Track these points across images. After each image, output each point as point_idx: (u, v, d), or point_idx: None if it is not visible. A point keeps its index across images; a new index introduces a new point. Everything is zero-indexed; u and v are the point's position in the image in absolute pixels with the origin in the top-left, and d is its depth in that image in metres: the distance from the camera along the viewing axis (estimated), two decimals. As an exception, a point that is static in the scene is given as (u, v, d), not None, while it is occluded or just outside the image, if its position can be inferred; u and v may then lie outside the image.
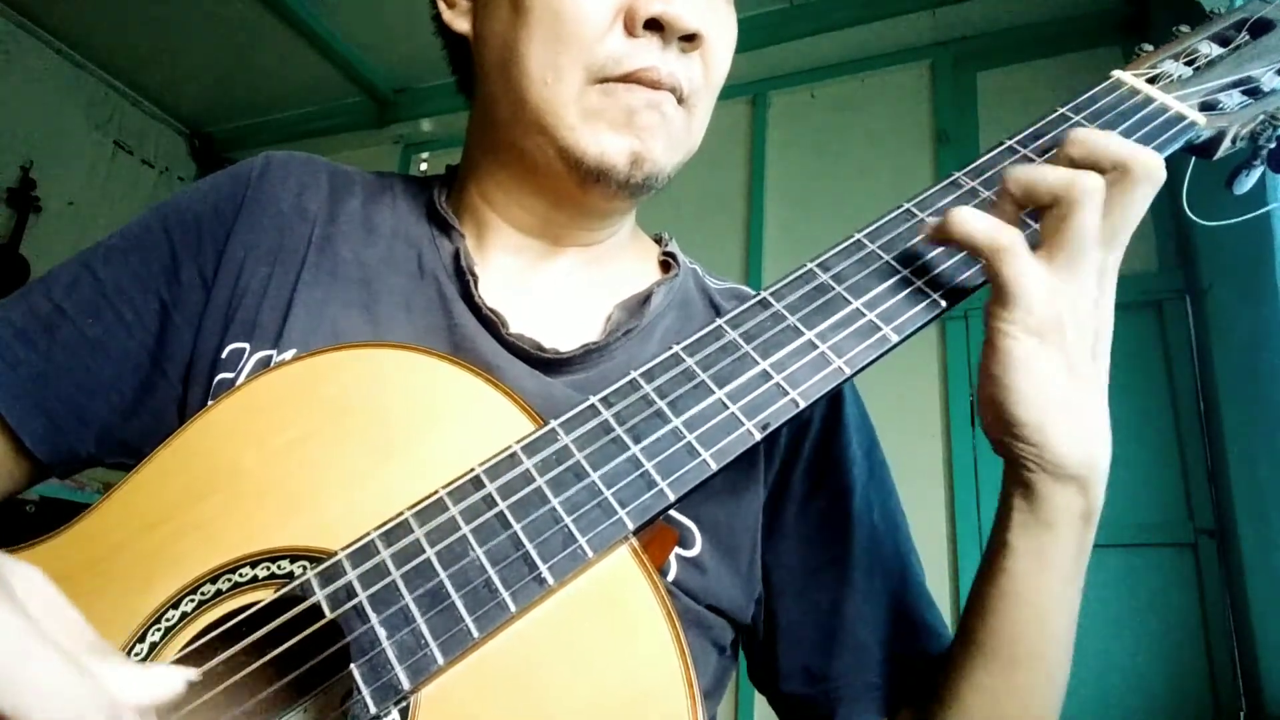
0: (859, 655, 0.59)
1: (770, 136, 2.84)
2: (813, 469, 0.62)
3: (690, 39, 0.56)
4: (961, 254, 0.48)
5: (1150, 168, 0.45)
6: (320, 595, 0.42)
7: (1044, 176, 0.45)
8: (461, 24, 0.63)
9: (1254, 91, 0.52)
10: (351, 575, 0.42)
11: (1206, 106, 0.52)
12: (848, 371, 0.46)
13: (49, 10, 3.13)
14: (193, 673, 0.34)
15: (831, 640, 0.60)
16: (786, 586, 0.61)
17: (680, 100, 0.57)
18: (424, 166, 3.48)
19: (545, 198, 0.61)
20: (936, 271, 0.48)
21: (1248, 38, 0.55)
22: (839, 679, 0.59)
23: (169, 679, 0.33)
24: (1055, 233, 0.45)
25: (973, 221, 0.45)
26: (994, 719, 0.52)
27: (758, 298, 0.50)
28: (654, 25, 0.54)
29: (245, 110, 3.68)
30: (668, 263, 0.69)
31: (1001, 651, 0.50)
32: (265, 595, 0.43)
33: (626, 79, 0.54)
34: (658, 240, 0.72)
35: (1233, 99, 0.52)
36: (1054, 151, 0.48)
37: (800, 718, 0.62)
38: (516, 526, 0.43)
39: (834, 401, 0.64)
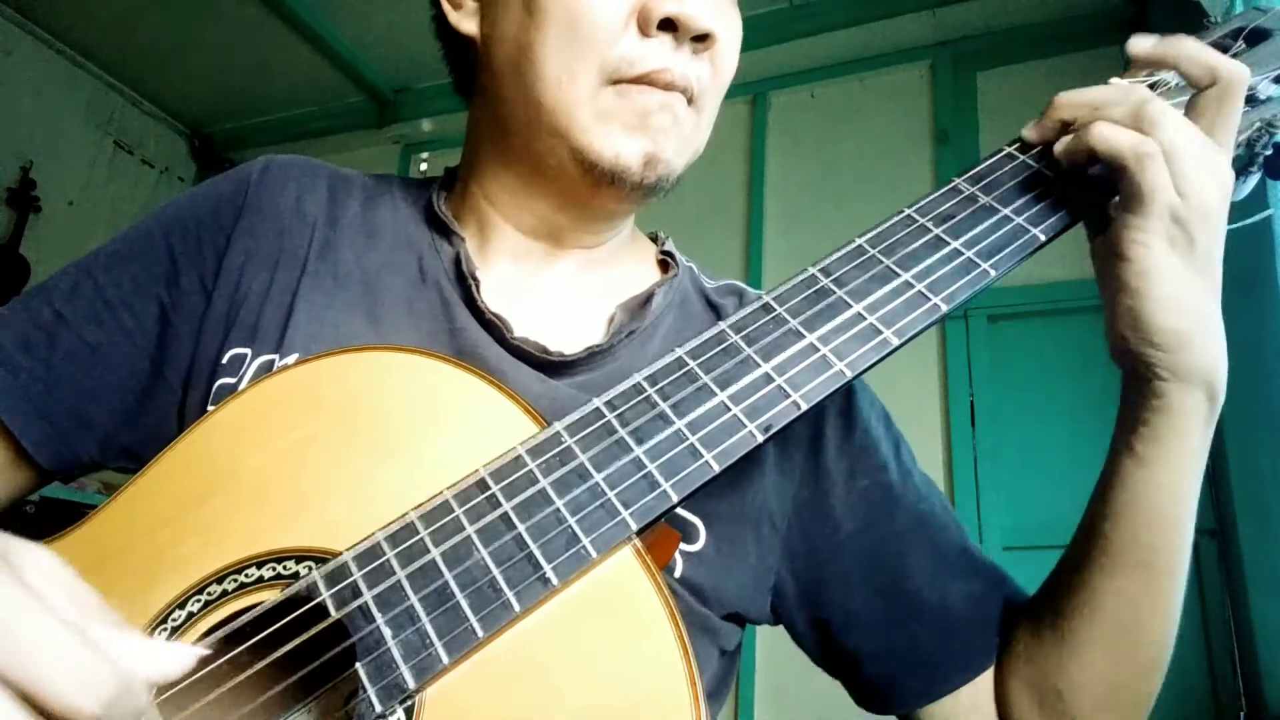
0: (943, 616, 0.59)
1: (770, 136, 2.85)
2: (844, 452, 0.62)
3: (702, 39, 0.56)
4: (962, 258, 0.49)
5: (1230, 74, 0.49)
6: (326, 595, 0.42)
7: (1112, 115, 0.48)
8: (468, 25, 0.63)
9: (1250, 99, 0.53)
10: (357, 575, 0.42)
11: (1203, 113, 0.52)
12: (849, 374, 0.46)
13: (49, 10, 3.13)
14: (203, 650, 0.35)
15: (911, 611, 0.59)
16: (851, 573, 0.60)
17: (690, 101, 0.57)
18: (424, 167, 3.48)
19: (552, 200, 0.61)
20: (936, 276, 0.49)
21: (1244, 46, 0.55)
22: (930, 645, 0.59)
23: (181, 654, 0.34)
24: (1211, 112, 0.48)
25: (1115, 131, 0.47)
26: (1141, 621, 0.53)
27: (760, 302, 0.50)
28: (668, 25, 0.55)
29: (245, 110, 3.68)
30: (665, 262, 0.69)
31: (1142, 558, 0.52)
32: (271, 595, 0.43)
33: (640, 80, 0.55)
34: (654, 239, 0.72)
35: (1229, 106, 0.52)
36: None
37: (892, 695, 0.60)
38: (521, 527, 0.43)
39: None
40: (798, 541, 0.61)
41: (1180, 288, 0.47)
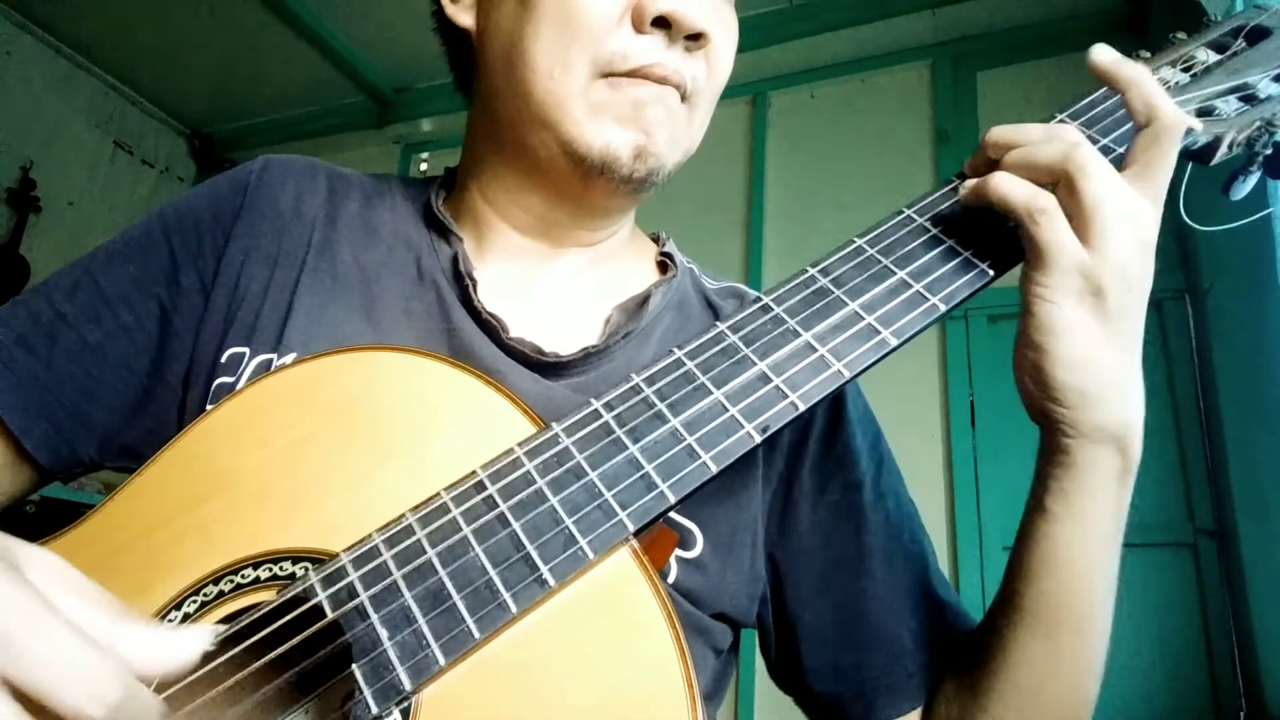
0: (889, 645, 0.59)
1: (770, 136, 2.85)
2: (821, 465, 0.62)
3: (696, 38, 0.56)
4: (960, 258, 0.49)
5: (1072, 158, 0.45)
6: (322, 596, 0.42)
7: (1038, 156, 0.47)
8: (465, 18, 0.63)
9: (1250, 98, 0.53)
10: (353, 576, 0.42)
11: (1203, 112, 0.52)
12: (847, 374, 0.46)
13: (49, 10, 3.13)
14: (211, 634, 0.35)
15: (859, 633, 0.59)
16: (806, 584, 0.60)
17: (684, 98, 0.57)
18: (424, 167, 3.48)
19: (546, 195, 0.61)
20: (935, 275, 0.49)
21: (1244, 45, 0.55)
22: (872, 671, 0.59)
23: (189, 643, 0.34)
24: (1069, 203, 0.45)
25: (1010, 185, 0.46)
26: (1043, 683, 0.52)
27: (758, 302, 0.50)
28: (661, 23, 0.55)
29: (245, 110, 3.68)
30: (665, 263, 0.69)
31: (1047, 616, 0.51)
32: (267, 596, 0.43)
33: (633, 74, 0.55)
34: (655, 239, 0.72)
35: (1229, 105, 0.53)
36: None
37: (834, 714, 0.61)
38: (517, 528, 0.43)
39: (836, 398, 0.65)
40: (769, 550, 0.61)
41: (1086, 347, 0.45)
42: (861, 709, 0.59)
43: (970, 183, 0.49)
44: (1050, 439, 0.48)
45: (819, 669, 0.60)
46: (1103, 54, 0.50)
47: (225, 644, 0.41)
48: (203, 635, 0.35)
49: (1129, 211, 0.45)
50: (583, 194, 0.60)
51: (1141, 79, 0.48)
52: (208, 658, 0.40)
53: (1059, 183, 0.46)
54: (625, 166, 0.56)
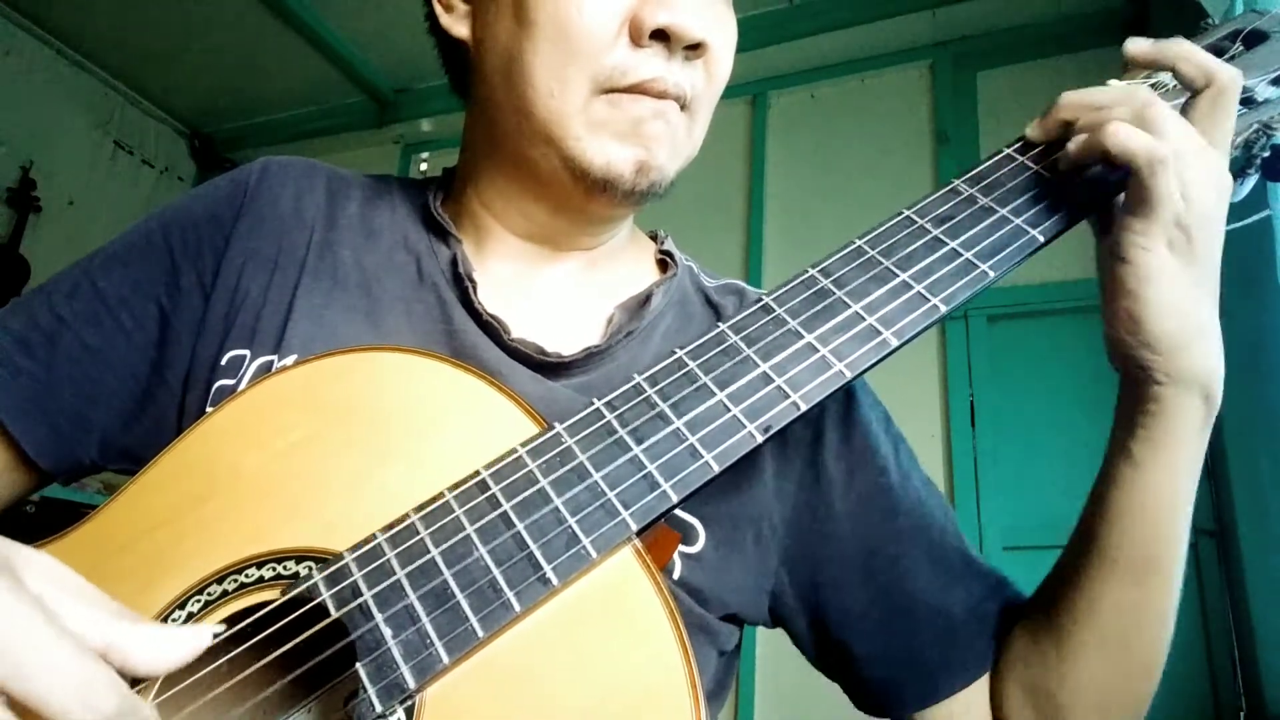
0: (941, 621, 0.59)
1: (770, 136, 2.85)
2: (844, 454, 0.62)
3: (695, 48, 0.56)
4: (960, 259, 0.49)
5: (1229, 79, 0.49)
6: (326, 595, 0.42)
7: (1199, 55, 0.49)
8: (460, 29, 0.62)
9: (1248, 101, 0.53)
10: (357, 575, 0.42)
11: (1201, 115, 0.52)
12: (848, 375, 0.46)
13: (49, 10, 3.13)
14: (210, 632, 0.35)
15: (908, 615, 0.59)
16: (847, 574, 0.60)
17: (683, 107, 0.57)
18: (424, 167, 3.48)
19: (547, 205, 0.61)
20: (935, 276, 0.49)
21: (1241, 48, 0.55)
22: (929, 651, 0.59)
23: (190, 640, 0.34)
24: (1207, 115, 0.48)
25: (1130, 133, 0.47)
26: (1132, 631, 0.53)
27: (760, 302, 0.50)
28: (660, 35, 0.54)
29: (245, 110, 3.68)
30: (665, 261, 0.69)
31: (1139, 564, 0.52)
32: (271, 595, 0.43)
33: (632, 90, 0.54)
34: (653, 237, 0.72)
35: (1227, 108, 0.53)
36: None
37: (890, 698, 0.61)
38: (521, 527, 0.43)
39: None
40: (796, 543, 0.61)
41: (1179, 292, 0.47)
42: (922, 689, 0.59)
43: (1081, 136, 0.49)
44: (1139, 388, 0.50)
45: (873, 655, 0.60)
46: (1138, 44, 0.52)
47: (229, 643, 0.42)
48: (203, 633, 0.35)
49: (1207, 160, 0.47)
50: (585, 206, 0.60)
51: (1187, 50, 0.50)
52: (212, 656, 0.41)
53: (1205, 89, 0.49)
54: (627, 182, 0.56)
